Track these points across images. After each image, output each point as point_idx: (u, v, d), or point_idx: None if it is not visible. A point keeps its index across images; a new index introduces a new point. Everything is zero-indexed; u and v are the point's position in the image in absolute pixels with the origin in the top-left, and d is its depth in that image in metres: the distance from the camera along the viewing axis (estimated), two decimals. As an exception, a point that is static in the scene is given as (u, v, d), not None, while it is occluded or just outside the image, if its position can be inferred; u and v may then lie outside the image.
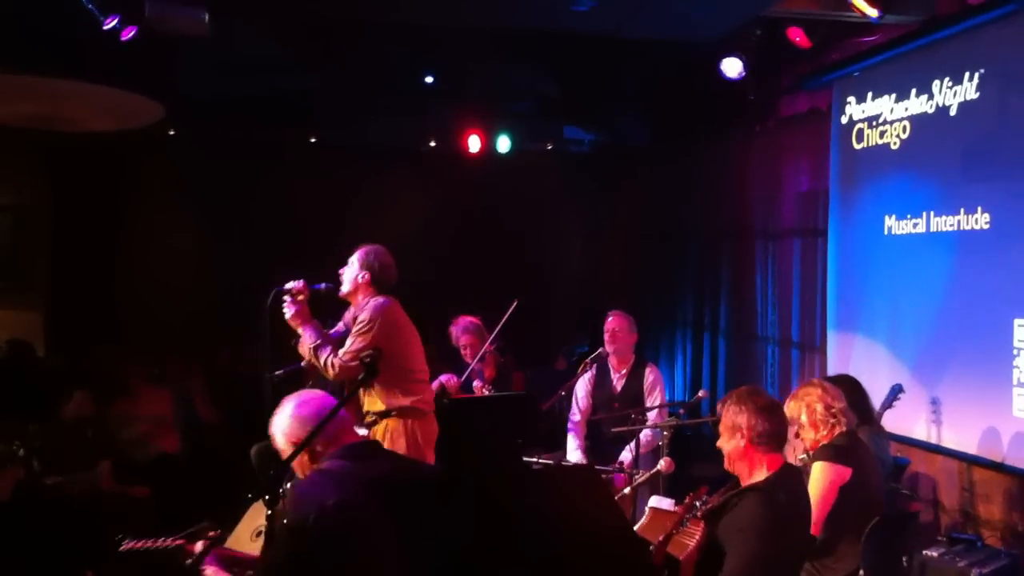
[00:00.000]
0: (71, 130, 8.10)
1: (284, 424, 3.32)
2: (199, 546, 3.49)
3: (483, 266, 9.85)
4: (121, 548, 3.50)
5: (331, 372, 5.00)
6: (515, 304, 6.65)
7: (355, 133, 9.47)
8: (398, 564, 2.92)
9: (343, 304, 5.28)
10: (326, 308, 5.31)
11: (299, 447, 3.17)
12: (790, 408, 4.53)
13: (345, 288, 5.19)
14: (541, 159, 10.08)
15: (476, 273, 9.64)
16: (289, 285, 5.06)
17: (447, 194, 10.00)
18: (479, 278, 9.43)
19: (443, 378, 6.54)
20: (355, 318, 5.13)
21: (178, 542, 3.54)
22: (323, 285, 5.16)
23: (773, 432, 3.77)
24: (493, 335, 6.61)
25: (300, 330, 5.08)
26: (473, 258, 9.93)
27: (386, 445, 5.05)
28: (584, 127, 9.65)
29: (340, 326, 5.35)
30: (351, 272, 5.17)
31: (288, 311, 5.05)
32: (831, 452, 4.31)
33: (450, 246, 10.01)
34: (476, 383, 6.51)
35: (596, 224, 10.93)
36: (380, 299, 5.09)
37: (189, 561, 3.47)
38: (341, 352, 4.99)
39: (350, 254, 5.25)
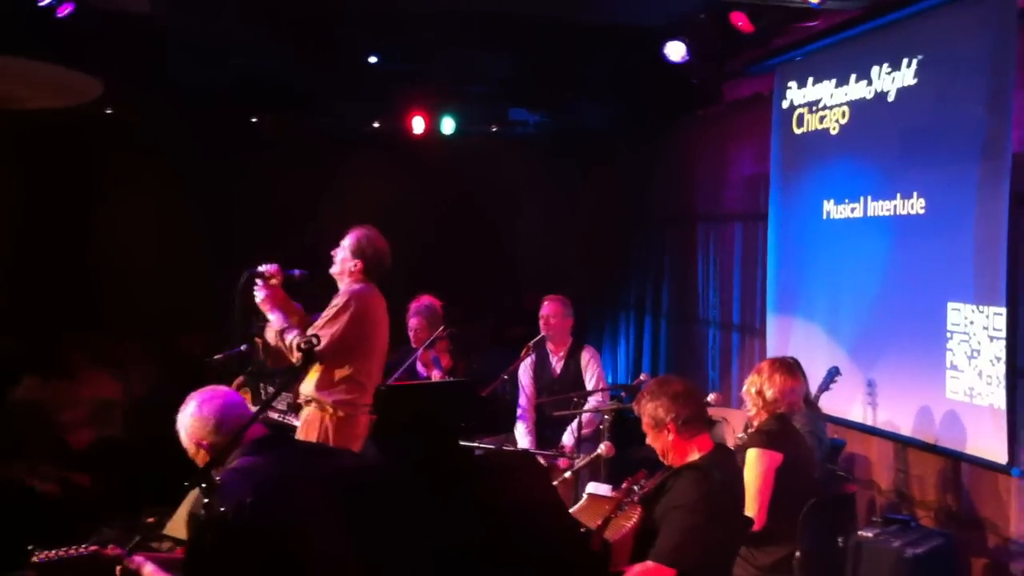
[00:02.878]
0: (8, 107, 7.91)
1: (186, 422, 3.30)
2: (110, 550, 3.46)
3: (432, 249, 9.81)
4: (34, 560, 3.45)
5: (296, 354, 4.92)
6: (442, 331, 6.56)
7: (306, 116, 9.37)
8: (326, 556, 2.91)
9: (320, 289, 5.20)
10: (302, 293, 5.25)
11: (216, 455, 3.15)
12: (744, 382, 4.73)
13: (335, 270, 5.14)
14: (489, 142, 10.04)
15: (428, 256, 9.59)
16: (262, 268, 5.00)
17: (396, 177, 9.93)
18: (431, 261, 9.40)
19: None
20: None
21: (91, 549, 3.50)
22: (297, 271, 5.10)
23: (695, 415, 3.83)
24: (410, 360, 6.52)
25: (269, 315, 5.02)
26: (422, 241, 9.87)
27: (300, 433, 5.05)
28: (532, 109, 9.63)
29: None
30: (343, 256, 5.12)
31: (259, 294, 4.99)
32: (762, 438, 4.38)
33: (400, 229, 9.93)
34: (435, 372, 6.45)
35: (544, 208, 10.92)
36: (358, 286, 5.05)
37: (120, 572, 3.45)
38: (308, 333, 4.91)
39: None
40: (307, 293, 5.26)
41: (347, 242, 5.14)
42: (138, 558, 3.43)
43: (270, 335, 5.04)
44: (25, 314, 8.47)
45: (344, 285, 5.12)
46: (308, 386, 5.06)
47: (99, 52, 6.88)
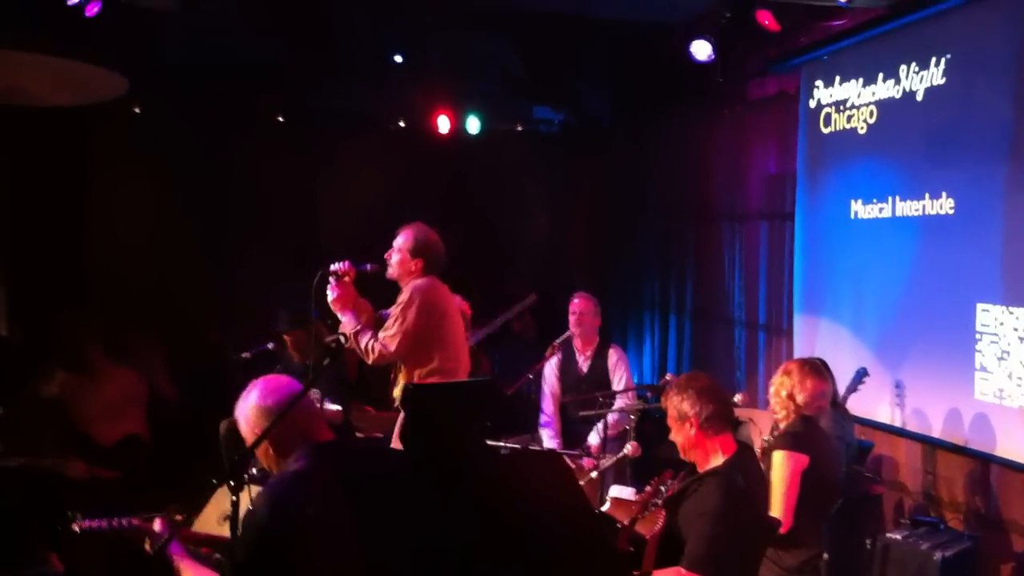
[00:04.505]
0: (30, 104, 7.95)
1: (248, 412, 3.25)
2: (157, 525, 3.45)
3: (451, 246, 9.79)
4: (74, 527, 3.44)
5: (371, 357, 4.93)
6: (532, 298, 6.58)
7: (323, 110, 9.39)
8: (374, 565, 2.89)
9: (390, 284, 5.19)
10: (373, 288, 5.23)
11: (259, 437, 3.11)
12: (772, 382, 4.67)
13: (393, 272, 5.11)
14: (509, 139, 10.03)
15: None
16: (335, 267, 4.97)
17: (416, 173, 9.94)
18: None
19: None
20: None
21: (135, 523, 3.49)
22: (368, 265, 5.07)
23: (719, 413, 3.83)
24: (495, 324, 6.50)
25: (341, 315, 5.00)
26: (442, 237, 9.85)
27: (395, 433, 5.02)
28: (553, 107, 9.62)
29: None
30: (401, 257, 5.09)
31: (331, 294, 4.97)
32: (788, 440, 4.36)
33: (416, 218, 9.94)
34: None
35: (564, 206, 10.90)
36: (421, 280, 5.02)
37: (150, 546, 3.44)
38: (381, 335, 4.93)
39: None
40: (374, 289, 5.24)
41: (402, 242, 5.10)
42: (176, 548, 3.41)
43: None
44: (34, 308, 8.53)
45: (405, 284, 5.08)
46: (398, 390, 5.04)
47: (120, 47, 6.91)
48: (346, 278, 4.97)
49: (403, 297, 4.97)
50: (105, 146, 9.18)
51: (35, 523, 5.57)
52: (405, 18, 7.42)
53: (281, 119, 9.47)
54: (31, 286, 8.72)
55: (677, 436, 3.91)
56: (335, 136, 9.61)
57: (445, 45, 7.83)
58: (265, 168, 9.38)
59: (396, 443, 4.98)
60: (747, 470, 3.85)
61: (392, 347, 4.88)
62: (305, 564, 2.82)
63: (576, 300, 6.64)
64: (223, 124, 9.09)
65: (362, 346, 4.92)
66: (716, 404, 3.85)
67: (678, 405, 3.86)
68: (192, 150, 9.17)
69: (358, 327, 4.95)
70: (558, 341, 6.45)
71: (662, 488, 3.86)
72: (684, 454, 3.91)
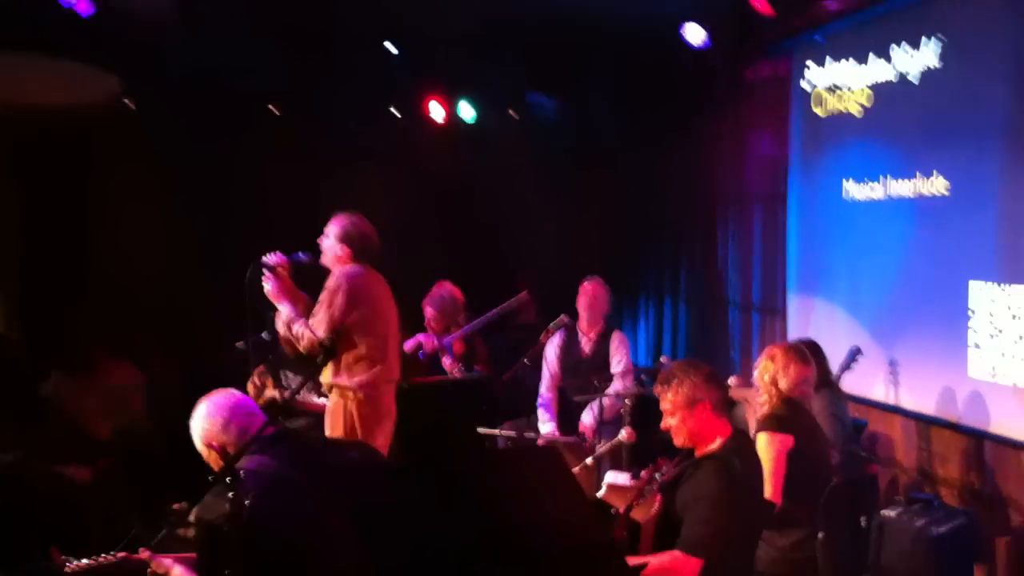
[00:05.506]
0: (21, 103, 7.92)
1: (197, 425, 3.32)
2: (145, 555, 3.52)
3: (448, 237, 9.80)
4: (66, 570, 3.53)
5: (303, 344, 4.96)
6: (523, 294, 6.62)
7: (320, 107, 9.38)
8: (329, 555, 2.92)
9: (325, 274, 5.19)
10: (310, 278, 5.25)
11: (229, 459, 3.16)
12: (756, 366, 4.67)
13: (326, 260, 5.15)
14: (506, 128, 10.01)
15: (442, 245, 9.57)
16: (267, 258, 5.04)
17: (412, 166, 9.93)
18: (444, 250, 9.39)
19: (421, 337, 6.56)
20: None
21: (120, 555, 3.57)
22: (302, 255, 5.13)
23: (723, 398, 3.86)
24: (484, 319, 6.54)
25: (279, 305, 5.04)
26: (439, 229, 9.85)
27: (327, 423, 5.07)
28: (551, 95, 9.62)
29: None
30: (329, 244, 5.13)
31: (267, 285, 5.03)
32: (772, 422, 4.38)
33: (416, 218, 9.94)
34: (446, 360, 6.46)
35: (560, 192, 10.87)
36: (351, 267, 5.05)
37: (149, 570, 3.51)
38: (309, 321, 4.96)
39: (323, 226, 5.22)
40: (312, 280, 5.25)
41: (331, 230, 5.15)
42: (166, 560, 3.47)
43: (280, 326, 5.07)
44: (38, 306, 8.54)
45: (335, 271, 5.11)
46: (326, 374, 5.07)
47: (110, 50, 6.91)
48: (280, 269, 5.04)
49: (330, 283, 5.00)
50: (107, 151, 9.16)
51: (36, 520, 5.61)
52: (409, 31, 7.43)
53: (281, 124, 9.48)
54: (37, 284, 8.72)
55: (685, 422, 3.80)
56: (336, 138, 9.60)
57: (448, 57, 7.85)
58: (266, 174, 9.36)
59: (330, 432, 5.03)
60: (743, 454, 3.86)
61: (320, 333, 4.89)
62: (247, 554, 2.87)
63: (588, 284, 6.64)
64: (222, 127, 9.08)
65: (295, 333, 4.96)
66: (722, 389, 3.89)
67: (690, 391, 3.78)
68: (192, 152, 9.16)
69: (294, 315, 5.00)
70: (552, 325, 6.41)
71: (657, 475, 3.86)
72: (689, 440, 3.83)
